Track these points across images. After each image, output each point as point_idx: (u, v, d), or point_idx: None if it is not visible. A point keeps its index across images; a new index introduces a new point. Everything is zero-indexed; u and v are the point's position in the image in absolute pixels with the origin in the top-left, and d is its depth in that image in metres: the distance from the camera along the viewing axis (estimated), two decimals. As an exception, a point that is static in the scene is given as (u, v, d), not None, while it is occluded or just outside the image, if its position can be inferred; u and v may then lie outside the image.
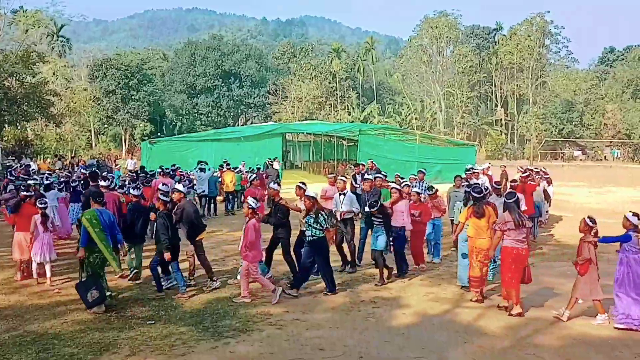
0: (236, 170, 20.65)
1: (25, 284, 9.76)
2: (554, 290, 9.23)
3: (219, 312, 8.09)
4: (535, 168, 17.93)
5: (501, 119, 69.50)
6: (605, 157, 61.93)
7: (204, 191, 18.23)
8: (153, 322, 7.65)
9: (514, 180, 13.41)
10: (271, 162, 24.77)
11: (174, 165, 20.07)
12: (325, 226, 8.82)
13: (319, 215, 8.80)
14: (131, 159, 38.75)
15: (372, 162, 17.60)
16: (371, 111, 69.21)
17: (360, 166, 16.67)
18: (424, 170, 14.23)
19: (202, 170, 18.91)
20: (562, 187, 26.01)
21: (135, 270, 9.93)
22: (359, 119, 65.84)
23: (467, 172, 14.29)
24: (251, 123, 64.78)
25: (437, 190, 11.86)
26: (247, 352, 6.59)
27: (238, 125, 66.01)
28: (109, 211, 8.96)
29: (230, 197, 19.75)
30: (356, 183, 14.60)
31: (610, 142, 61.74)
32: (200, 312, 8.08)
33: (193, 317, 7.85)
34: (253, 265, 8.62)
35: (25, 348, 6.71)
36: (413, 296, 8.99)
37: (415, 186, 12.04)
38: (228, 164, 20.85)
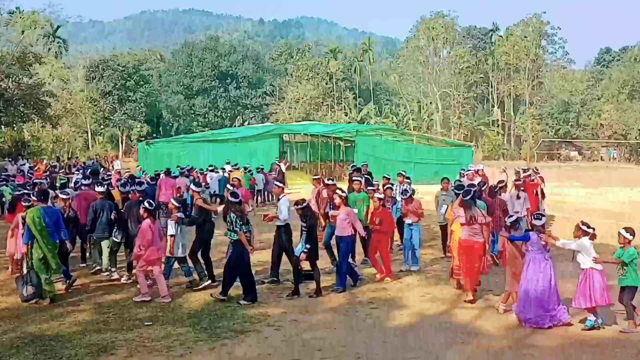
0: (246, 171, 20.94)
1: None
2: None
3: (217, 313, 8.09)
4: (529, 168, 17.95)
5: (498, 120, 69.58)
6: (601, 157, 62.07)
7: (215, 191, 18.47)
8: (151, 323, 7.65)
9: (517, 180, 13.35)
10: (278, 163, 24.83)
11: (187, 166, 20.55)
12: (235, 229, 8.51)
13: (227, 216, 8.69)
14: (116, 159, 39.42)
15: (365, 165, 17.03)
16: (368, 112, 69.25)
17: (363, 167, 15.44)
18: (403, 173, 12.89)
19: (212, 171, 19.76)
20: (559, 188, 26.02)
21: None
22: (356, 119, 65.87)
23: (467, 172, 14.22)
24: (248, 124, 64.75)
25: (413, 193, 10.99)
26: (245, 353, 6.60)
27: (235, 126, 65.97)
28: (56, 209, 9.14)
29: None
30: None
31: (607, 142, 61.87)
32: (198, 313, 8.08)
33: (191, 318, 7.86)
34: (145, 266, 8.59)
35: (23, 350, 6.71)
36: (410, 297, 9.00)
37: (394, 190, 11.58)
38: (234, 165, 21.24)
